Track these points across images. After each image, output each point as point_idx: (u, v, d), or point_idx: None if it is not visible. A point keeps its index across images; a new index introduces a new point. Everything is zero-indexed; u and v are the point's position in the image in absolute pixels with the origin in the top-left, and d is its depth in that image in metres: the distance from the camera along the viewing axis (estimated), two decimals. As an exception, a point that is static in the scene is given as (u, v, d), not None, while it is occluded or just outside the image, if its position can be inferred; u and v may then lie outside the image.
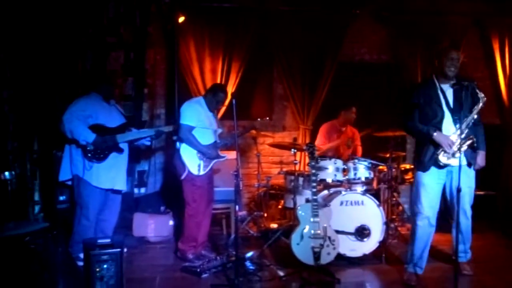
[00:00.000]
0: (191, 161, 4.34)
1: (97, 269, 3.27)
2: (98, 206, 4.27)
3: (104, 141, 4.17)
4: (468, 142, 3.68)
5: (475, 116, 3.73)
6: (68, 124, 4.06)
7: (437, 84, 3.83)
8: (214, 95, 4.52)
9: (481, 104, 3.71)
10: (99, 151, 4.16)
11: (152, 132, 4.54)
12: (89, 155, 4.13)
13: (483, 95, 3.71)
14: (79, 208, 4.25)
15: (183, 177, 4.36)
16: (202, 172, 4.37)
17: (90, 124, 4.13)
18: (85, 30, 5.35)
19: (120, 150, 4.31)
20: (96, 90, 4.36)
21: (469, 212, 3.94)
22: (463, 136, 3.62)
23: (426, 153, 3.79)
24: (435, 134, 3.71)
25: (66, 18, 5.15)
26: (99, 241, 3.45)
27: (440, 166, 3.76)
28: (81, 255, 4.15)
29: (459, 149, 3.58)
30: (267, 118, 4.70)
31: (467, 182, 3.78)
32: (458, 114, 3.66)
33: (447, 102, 3.78)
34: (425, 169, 3.80)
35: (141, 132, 4.54)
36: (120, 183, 4.38)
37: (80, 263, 4.16)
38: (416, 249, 3.91)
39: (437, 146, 3.72)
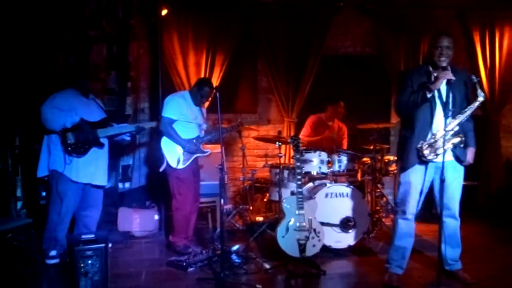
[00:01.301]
0: (171, 154, 4.38)
1: (82, 265, 3.24)
2: (74, 202, 4.22)
3: (84, 135, 4.13)
4: (455, 140, 3.52)
5: (468, 114, 3.54)
6: (46, 115, 4.03)
7: (431, 73, 3.60)
8: (199, 89, 4.51)
9: (477, 103, 3.53)
10: (80, 145, 4.12)
11: (132, 128, 4.52)
12: (69, 149, 4.08)
13: (483, 94, 3.54)
14: (53, 203, 4.20)
15: (161, 169, 4.43)
16: (181, 166, 4.39)
17: (73, 119, 4.09)
18: (66, 23, 5.27)
19: (101, 145, 4.27)
20: (74, 85, 4.31)
21: (457, 212, 3.73)
22: (452, 133, 3.49)
23: (409, 149, 3.61)
24: (431, 86, 3.45)
25: (47, 11, 5.07)
26: (83, 236, 3.42)
27: (424, 162, 3.57)
28: (52, 253, 4.14)
29: (443, 146, 3.42)
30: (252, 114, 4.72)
31: (457, 178, 3.68)
32: (449, 108, 3.50)
33: (440, 94, 3.55)
34: (408, 165, 3.64)
35: (122, 127, 4.51)
36: (100, 178, 4.34)
37: (50, 261, 4.15)
38: (398, 248, 3.77)
39: (420, 140, 3.56)
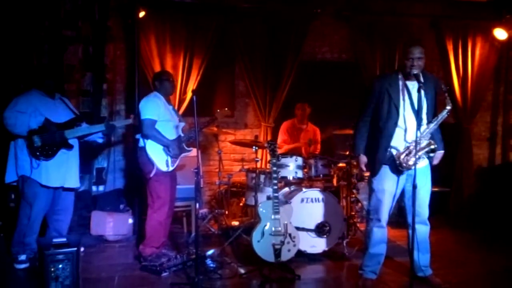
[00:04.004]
0: (159, 158, 4.22)
1: (52, 269, 3.18)
2: (44, 206, 4.14)
3: (51, 136, 4.03)
4: (428, 148, 3.56)
5: (439, 122, 3.60)
6: (9, 120, 3.94)
7: (401, 82, 3.63)
8: (161, 84, 4.40)
9: (445, 112, 3.57)
10: (47, 148, 4.02)
11: (102, 127, 4.38)
12: (37, 153, 3.98)
13: (451, 105, 3.59)
14: (23, 207, 4.11)
15: (152, 174, 4.21)
16: (171, 168, 4.28)
17: (38, 120, 4.00)
18: (41, 23, 5.18)
19: (70, 147, 4.17)
20: (38, 86, 4.18)
21: (427, 218, 3.79)
22: (425, 142, 3.54)
23: (376, 156, 3.67)
24: (360, 156, 3.80)
25: (21, 10, 4.98)
26: (54, 240, 3.36)
27: (399, 171, 3.61)
28: (21, 257, 4.05)
29: (415, 155, 3.43)
30: (226, 109, 4.63)
31: (427, 185, 3.73)
32: (421, 117, 3.54)
33: (412, 102, 3.58)
34: (375, 172, 3.70)
35: (92, 127, 4.39)
36: (72, 181, 4.26)
37: (19, 266, 4.06)
38: (373, 255, 3.81)
39: (391, 149, 3.61)
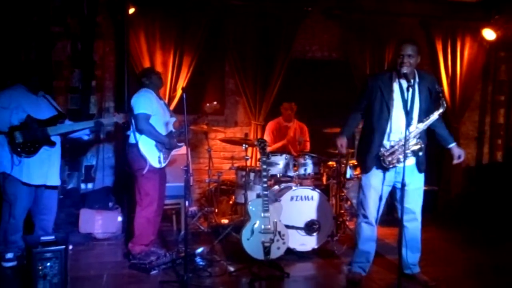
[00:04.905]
0: (151, 154, 4.17)
1: (40, 267, 3.15)
2: (26, 204, 4.07)
3: (33, 133, 3.96)
4: (415, 147, 3.56)
5: (429, 123, 3.59)
6: None
7: (395, 80, 3.63)
8: (149, 79, 4.36)
9: (437, 113, 3.57)
10: (29, 145, 3.94)
11: (91, 124, 4.33)
12: (18, 149, 3.90)
13: (444, 107, 3.57)
14: (7, 206, 4.04)
15: (145, 171, 4.15)
16: (163, 164, 4.25)
17: (20, 116, 3.93)
18: (29, 19, 5.12)
19: (52, 144, 4.08)
20: (22, 82, 4.10)
21: (419, 215, 3.80)
22: (413, 141, 3.55)
23: (368, 153, 3.69)
24: (338, 137, 3.88)
25: (9, 5, 4.92)
26: (42, 238, 3.33)
27: (385, 168, 3.63)
28: (8, 255, 4.01)
29: (401, 153, 3.48)
30: (215, 102, 4.60)
31: (417, 184, 3.73)
32: (411, 117, 3.54)
33: (405, 101, 3.57)
34: (367, 170, 3.73)
35: (76, 124, 4.30)
36: (53, 179, 4.18)
37: (6, 264, 4.01)
38: (362, 252, 3.84)
39: (379, 146, 3.63)
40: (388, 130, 3.64)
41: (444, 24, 6.61)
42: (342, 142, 3.90)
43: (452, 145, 3.83)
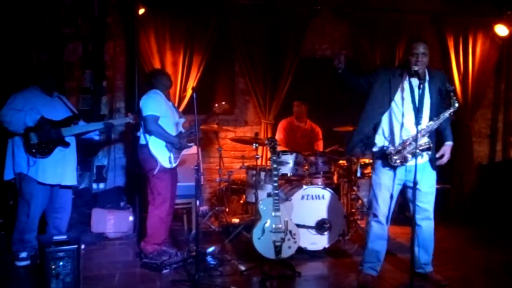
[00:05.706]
0: (161, 154, 4.21)
1: (53, 267, 3.18)
2: (42, 203, 4.13)
3: (48, 134, 4.01)
4: (424, 146, 3.51)
5: (439, 122, 3.54)
6: (5, 117, 3.92)
7: (405, 78, 3.61)
8: (158, 81, 4.38)
9: (448, 113, 3.50)
10: (44, 145, 4.00)
11: (101, 125, 4.40)
12: (33, 150, 3.96)
13: (457, 104, 3.49)
14: (21, 205, 4.10)
15: (156, 172, 4.19)
16: (174, 164, 4.28)
17: (34, 118, 3.98)
18: (40, 20, 5.17)
19: (66, 144, 4.15)
20: (37, 83, 4.17)
21: (432, 213, 3.75)
22: (424, 140, 3.51)
23: (378, 152, 3.68)
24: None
25: (20, 6, 4.96)
26: (55, 237, 3.35)
27: (394, 166, 3.59)
28: (22, 254, 4.05)
29: (410, 152, 3.47)
30: (223, 102, 4.60)
31: (430, 182, 3.68)
32: (420, 116, 3.50)
33: (413, 100, 3.55)
34: (377, 167, 3.71)
35: (89, 125, 4.38)
36: (69, 178, 4.24)
37: (20, 263, 4.06)
38: (372, 251, 3.79)
39: (389, 145, 3.61)
40: (396, 127, 3.61)
41: (455, 21, 6.55)
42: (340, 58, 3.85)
43: (447, 143, 3.77)
